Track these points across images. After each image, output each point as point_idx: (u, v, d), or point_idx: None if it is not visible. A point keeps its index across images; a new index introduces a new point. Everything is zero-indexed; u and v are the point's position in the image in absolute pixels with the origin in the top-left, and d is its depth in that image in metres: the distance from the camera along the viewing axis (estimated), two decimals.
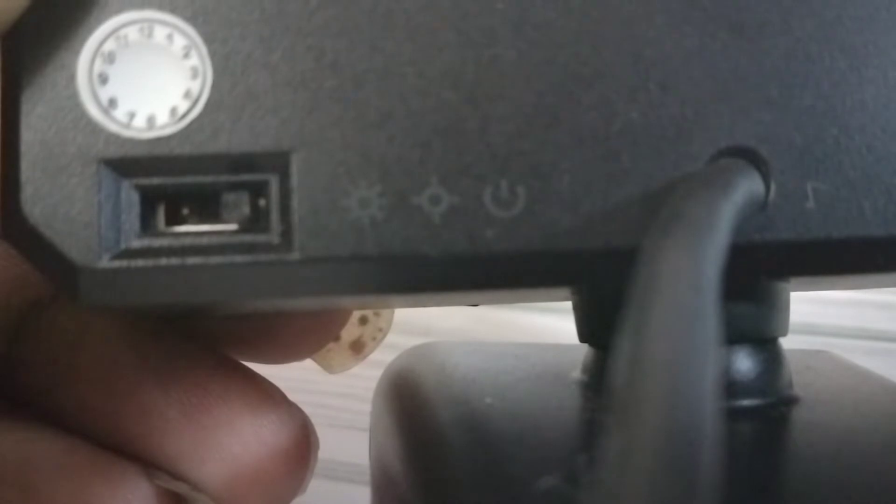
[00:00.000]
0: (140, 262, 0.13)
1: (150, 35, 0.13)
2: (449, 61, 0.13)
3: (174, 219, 0.13)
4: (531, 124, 0.13)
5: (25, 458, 0.15)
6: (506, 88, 0.13)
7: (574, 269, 0.13)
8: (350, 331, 0.21)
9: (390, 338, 0.20)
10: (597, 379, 0.16)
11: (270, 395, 0.17)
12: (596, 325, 0.16)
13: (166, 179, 0.13)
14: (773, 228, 0.13)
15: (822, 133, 0.13)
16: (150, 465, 0.16)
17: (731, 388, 0.14)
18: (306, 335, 0.18)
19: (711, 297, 0.10)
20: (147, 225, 0.13)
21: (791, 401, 0.15)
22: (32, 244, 0.13)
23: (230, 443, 0.16)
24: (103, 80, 0.13)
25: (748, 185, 0.13)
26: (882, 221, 0.13)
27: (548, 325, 0.35)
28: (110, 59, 0.13)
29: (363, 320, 0.21)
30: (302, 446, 0.17)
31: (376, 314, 0.21)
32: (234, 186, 0.13)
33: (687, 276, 0.09)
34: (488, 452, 0.13)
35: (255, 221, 0.13)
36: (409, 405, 0.15)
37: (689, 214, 0.11)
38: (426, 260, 0.13)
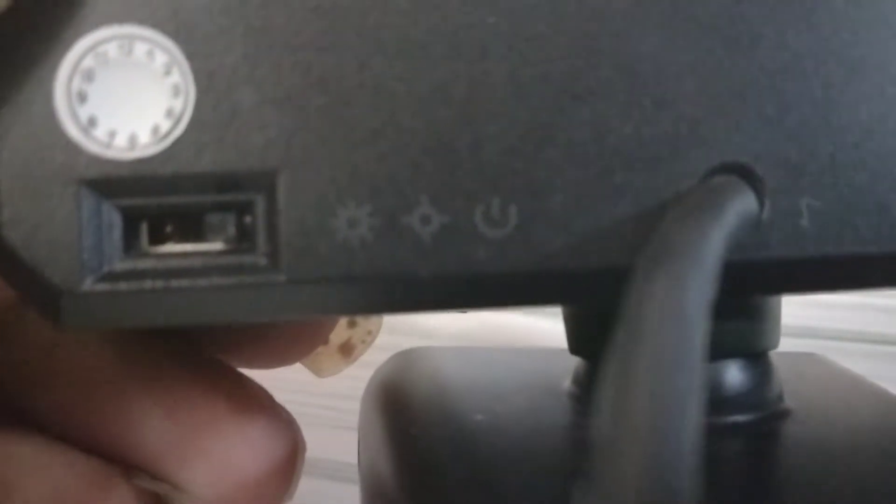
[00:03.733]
0: (124, 285, 0.13)
1: (129, 52, 0.12)
2: (439, 77, 0.13)
3: (158, 239, 0.13)
4: (523, 141, 0.13)
5: (2, 456, 0.15)
6: (497, 105, 0.13)
7: (566, 287, 0.13)
8: (339, 334, 0.21)
9: (394, 339, 0.20)
10: (587, 391, 0.16)
11: (257, 396, 0.17)
12: (586, 339, 0.16)
13: (149, 199, 0.13)
14: (767, 246, 0.13)
15: (817, 149, 0.13)
16: (130, 465, 0.16)
17: (722, 404, 0.14)
18: (295, 340, 0.18)
19: (698, 336, 0.09)
20: (130, 246, 0.13)
21: (782, 414, 0.15)
22: (12, 267, 0.13)
23: (214, 444, 0.16)
24: (82, 98, 0.12)
25: (742, 205, 0.13)
26: (877, 238, 0.13)
27: (550, 329, 0.35)
28: (89, 76, 0.12)
29: (352, 323, 0.21)
30: (289, 449, 0.17)
31: (365, 317, 0.21)
32: (220, 206, 0.13)
33: (673, 317, 0.09)
34: (480, 475, 0.13)
35: (241, 242, 0.13)
36: (400, 418, 0.15)
37: (679, 244, 0.11)
38: (417, 280, 0.13)
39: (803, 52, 0.13)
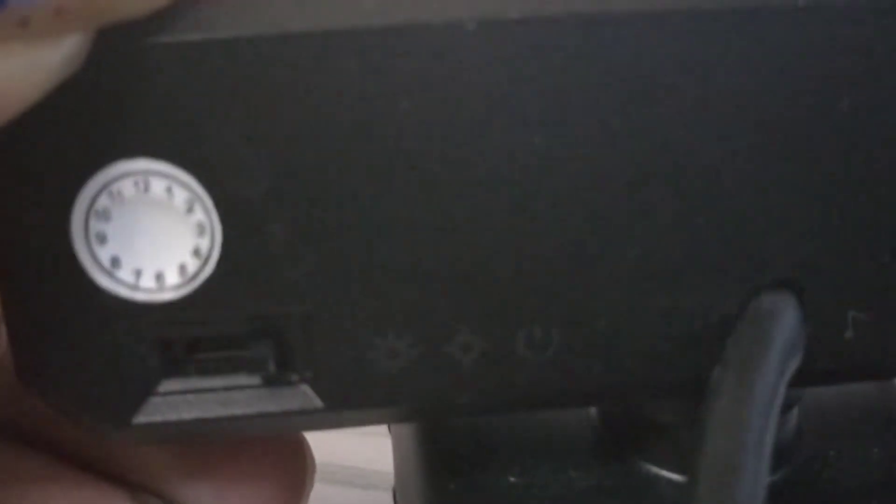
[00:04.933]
0: (165, 418, 0.13)
1: (146, 189, 0.12)
2: (479, 203, 0.12)
3: (199, 367, 0.13)
4: (566, 265, 0.12)
5: (14, 476, 0.16)
6: (539, 228, 0.12)
7: (603, 400, 0.13)
8: None
9: None
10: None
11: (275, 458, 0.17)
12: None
13: (184, 335, 0.12)
14: (811, 359, 0.13)
15: (863, 261, 0.13)
16: (135, 486, 0.16)
17: None
18: None
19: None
20: (171, 376, 0.13)
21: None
22: (62, 411, 0.12)
23: (219, 463, 0.16)
24: (101, 239, 0.12)
25: (792, 324, 0.12)
26: None
27: None
28: (105, 216, 0.12)
29: None
30: (297, 466, 0.17)
31: None
32: (256, 340, 0.12)
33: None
34: None
35: (279, 373, 0.13)
36: (436, 466, 0.16)
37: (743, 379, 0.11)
38: (456, 406, 0.13)
39: (852, 169, 0.12)
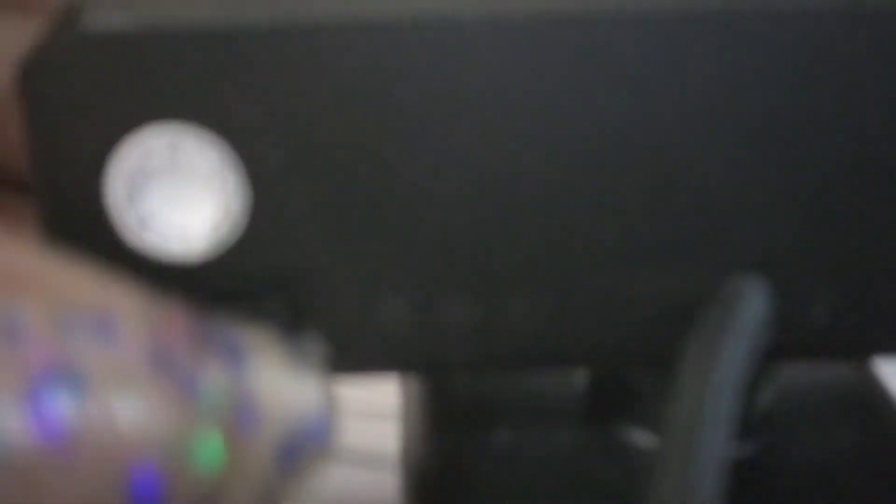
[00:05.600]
0: None
1: (178, 151, 0.13)
2: (478, 179, 0.13)
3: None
4: (557, 238, 0.13)
5: None
6: (533, 205, 0.13)
7: (588, 364, 0.14)
8: None
9: None
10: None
11: None
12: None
13: (209, 294, 0.13)
14: (783, 338, 0.14)
15: (833, 242, 0.14)
16: None
17: None
18: None
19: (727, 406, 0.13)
20: None
21: None
22: None
23: None
24: (132, 199, 0.13)
25: (759, 305, 0.13)
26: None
27: None
28: (138, 176, 0.13)
29: None
30: None
31: None
32: (271, 296, 0.14)
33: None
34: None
35: (293, 327, 0.14)
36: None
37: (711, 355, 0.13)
38: (450, 366, 0.14)
39: (838, 165, 0.13)
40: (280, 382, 0.10)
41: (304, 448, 0.10)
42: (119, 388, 0.09)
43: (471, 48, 0.12)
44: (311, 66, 0.12)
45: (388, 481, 0.20)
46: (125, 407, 0.09)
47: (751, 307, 0.13)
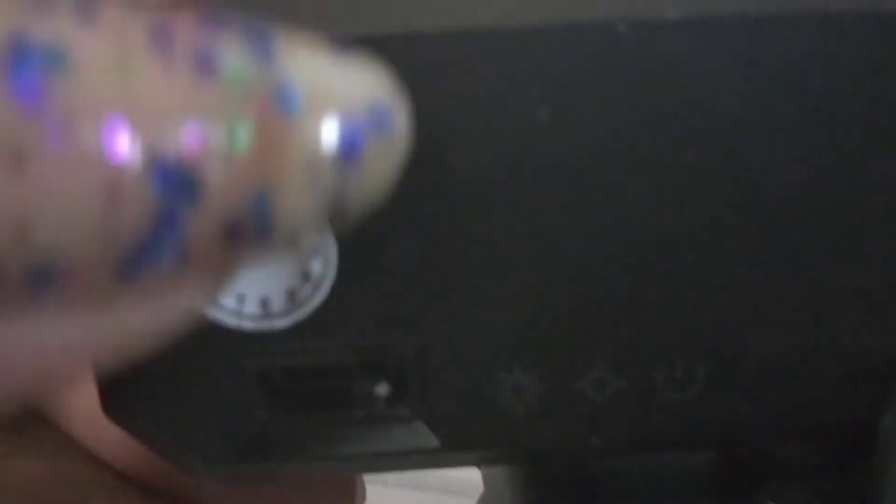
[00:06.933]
0: (266, 457, 0.11)
1: None
2: (620, 226, 0.11)
3: (301, 405, 0.12)
4: (714, 294, 0.11)
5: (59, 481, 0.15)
6: (685, 252, 0.11)
7: (746, 445, 0.12)
8: None
9: None
10: None
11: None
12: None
13: (289, 367, 0.11)
14: None
15: None
16: None
17: None
18: None
19: None
20: (272, 408, 0.11)
21: None
22: (149, 442, 0.11)
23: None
24: None
25: None
26: None
27: None
28: None
29: None
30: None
31: None
32: (367, 374, 0.11)
33: None
34: None
35: (391, 409, 0.11)
36: None
37: None
38: (583, 448, 0.12)
39: None
40: (322, 65, 0.08)
41: (366, 137, 0.08)
42: (110, 73, 0.06)
43: (612, 60, 0.10)
44: (419, 81, 0.10)
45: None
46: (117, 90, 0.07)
47: None
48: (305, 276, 0.11)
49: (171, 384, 0.11)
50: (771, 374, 0.11)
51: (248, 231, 0.07)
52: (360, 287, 0.11)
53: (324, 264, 0.11)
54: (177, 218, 0.07)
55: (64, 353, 0.07)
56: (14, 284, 0.06)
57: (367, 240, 0.11)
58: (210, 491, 0.15)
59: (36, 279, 0.07)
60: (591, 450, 0.12)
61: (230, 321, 0.11)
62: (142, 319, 0.07)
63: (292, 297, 0.11)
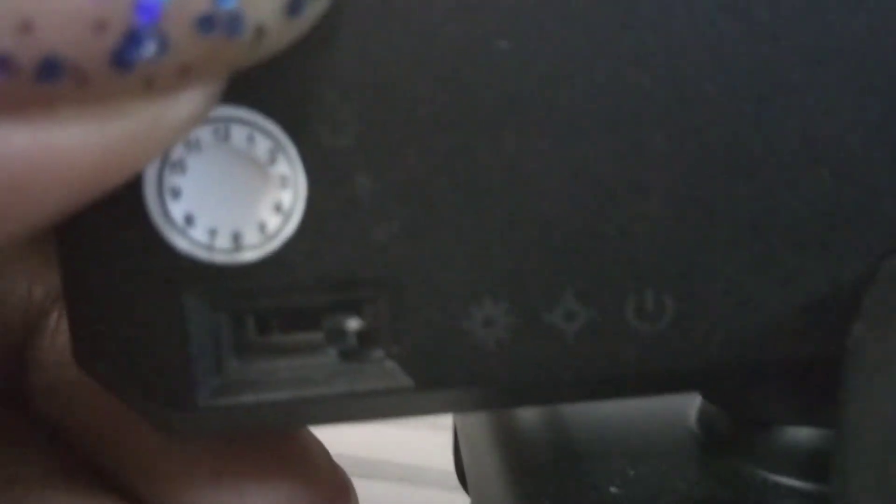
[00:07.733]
0: (238, 399, 0.11)
1: (226, 138, 0.11)
2: (584, 153, 0.11)
3: (272, 349, 0.12)
4: (681, 222, 0.11)
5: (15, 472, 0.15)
6: (652, 180, 0.11)
7: (718, 379, 0.12)
8: None
9: None
10: (716, 437, 0.15)
11: (297, 458, 0.16)
12: (727, 393, 0.14)
13: (259, 303, 0.11)
14: None
15: None
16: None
17: None
18: None
19: None
20: (242, 357, 0.11)
21: None
22: (121, 387, 0.11)
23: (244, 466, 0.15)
24: (175, 193, 0.11)
25: None
26: None
27: None
28: (180, 168, 0.11)
29: None
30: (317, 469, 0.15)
31: None
32: (337, 309, 0.11)
33: None
34: None
35: (363, 347, 0.11)
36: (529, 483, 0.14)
37: None
38: (557, 382, 0.12)
39: None
40: None
41: None
42: None
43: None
44: (383, 21, 0.10)
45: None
46: None
47: None
48: (276, 207, 0.11)
49: (142, 328, 0.11)
50: (740, 303, 0.11)
51: (220, 23, 0.08)
52: (330, 219, 0.11)
53: (294, 195, 0.11)
54: (155, 8, 0.08)
55: (80, 159, 0.08)
56: (27, 78, 0.07)
57: (336, 172, 0.11)
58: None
59: (45, 72, 0.08)
60: (563, 385, 0.11)
61: (202, 255, 0.11)
62: (145, 125, 0.08)
63: (263, 229, 0.11)
